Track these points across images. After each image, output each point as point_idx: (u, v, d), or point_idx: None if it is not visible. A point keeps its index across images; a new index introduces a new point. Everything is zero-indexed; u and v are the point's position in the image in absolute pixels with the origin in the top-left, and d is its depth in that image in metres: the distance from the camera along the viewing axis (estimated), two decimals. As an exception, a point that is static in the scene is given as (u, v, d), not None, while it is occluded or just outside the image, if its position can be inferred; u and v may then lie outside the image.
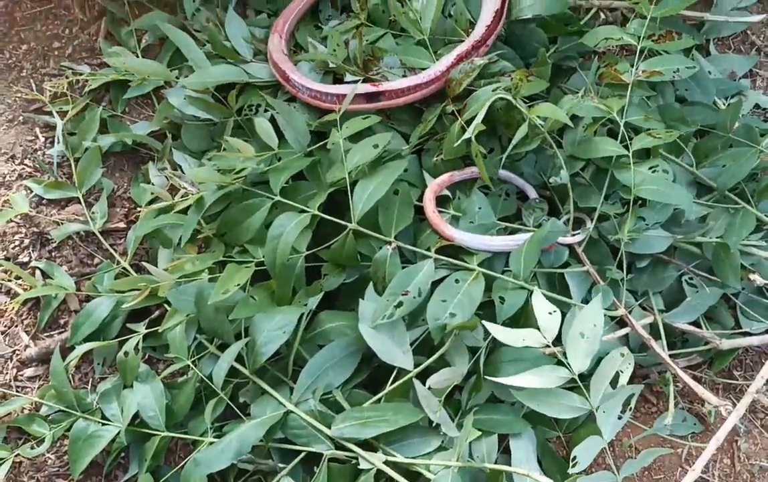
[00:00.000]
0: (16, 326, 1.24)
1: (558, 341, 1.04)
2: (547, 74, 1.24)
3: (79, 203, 1.32)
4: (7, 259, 1.25)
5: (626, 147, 1.16)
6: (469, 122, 1.16)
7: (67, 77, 1.39)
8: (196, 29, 1.38)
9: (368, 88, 1.24)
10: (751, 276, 1.16)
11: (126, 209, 1.34)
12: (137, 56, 1.39)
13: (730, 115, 1.25)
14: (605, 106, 1.17)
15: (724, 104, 1.35)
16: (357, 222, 1.11)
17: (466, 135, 1.13)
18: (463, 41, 1.29)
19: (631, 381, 1.08)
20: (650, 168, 1.15)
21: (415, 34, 1.32)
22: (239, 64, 1.31)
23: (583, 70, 1.33)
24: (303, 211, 1.13)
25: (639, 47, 1.25)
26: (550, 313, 1.02)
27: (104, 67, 1.40)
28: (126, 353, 1.15)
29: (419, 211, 1.18)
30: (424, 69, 1.26)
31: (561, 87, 1.31)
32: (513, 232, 1.18)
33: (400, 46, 1.31)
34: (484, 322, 1.03)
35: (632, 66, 1.24)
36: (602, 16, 1.42)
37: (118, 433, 1.12)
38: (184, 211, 1.22)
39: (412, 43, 1.32)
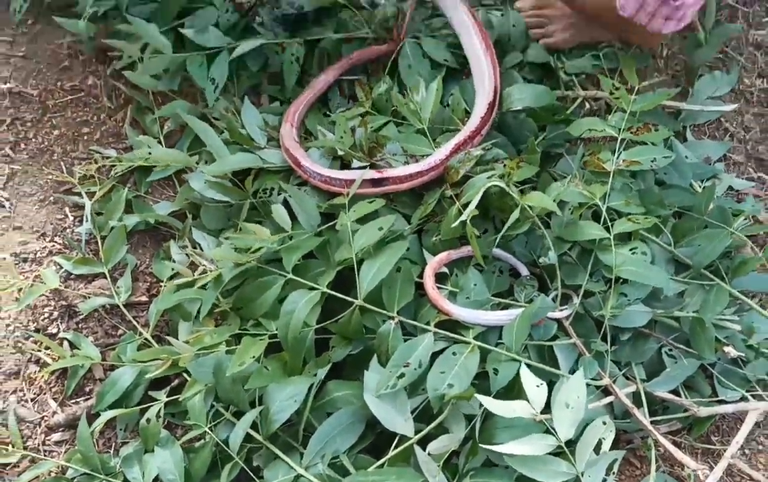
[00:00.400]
0: (45, 393, 1.32)
1: (549, 408, 1.13)
2: (536, 161, 1.36)
3: (105, 278, 1.41)
4: (37, 330, 1.35)
5: (608, 230, 1.26)
6: (465, 206, 1.27)
7: (95, 161, 1.50)
8: (215, 117, 1.50)
9: (374, 174, 1.35)
10: (726, 348, 1.26)
11: (148, 284, 1.43)
12: (160, 142, 1.50)
13: (706, 198, 1.36)
14: (589, 193, 1.28)
15: (700, 186, 1.45)
16: (363, 299, 1.21)
17: (462, 218, 1.24)
18: (459, 130, 1.41)
19: (615, 446, 1.16)
20: (631, 250, 1.25)
21: (416, 124, 1.44)
22: (254, 151, 1.42)
23: (570, 156, 1.44)
24: (313, 288, 1.23)
25: (620, 138, 1.37)
26: (537, 385, 1.11)
27: (130, 150, 1.51)
28: (148, 420, 1.23)
29: (420, 287, 1.27)
30: (424, 156, 1.38)
31: (549, 171, 1.42)
32: (506, 307, 1.28)
33: (402, 134, 1.43)
34: (478, 395, 1.11)
35: (614, 153, 1.36)
36: (587, 105, 1.54)
37: (140, 495, 1.20)
38: (203, 286, 1.32)
39: (413, 132, 1.44)
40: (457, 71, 1.52)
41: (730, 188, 1.51)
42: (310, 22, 1.56)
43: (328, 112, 1.53)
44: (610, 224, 1.27)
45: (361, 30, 1.55)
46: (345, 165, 1.42)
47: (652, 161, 1.33)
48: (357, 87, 1.52)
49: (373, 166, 1.38)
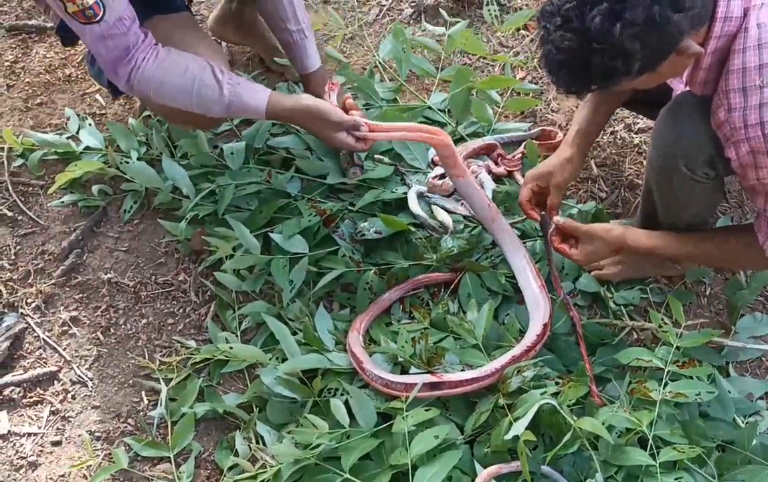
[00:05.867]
0: None
1: None
2: (586, 383, 1.44)
3: (170, 462, 1.48)
4: (100, 508, 1.42)
5: (654, 457, 1.32)
6: (517, 419, 1.34)
7: (176, 350, 1.64)
8: (290, 318, 1.63)
9: (431, 378, 1.45)
10: None
11: (209, 471, 1.49)
12: (237, 336, 1.63)
13: (749, 434, 1.41)
14: (636, 420, 1.35)
15: (742, 421, 1.50)
16: (417, 503, 1.28)
17: (514, 433, 1.31)
18: (512, 347, 1.52)
19: None
20: (675, 479, 1.30)
21: (470, 340, 1.55)
22: (323, 353, 1.54)
23: (618, 381, 1.51)
24: (370, 489, 1.30)
25: (666, 369, 1.45)
26: None
27: (209, 343, 1.64)
28: None
29: (470, 497, 1.34)
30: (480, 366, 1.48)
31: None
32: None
33: (459, 349, 1.54)
34: None
35: (659, 382, 1.43)
36: (635, 334, 1.64)
37: None
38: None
39: (469, 346, 1.55)
40: (512, 299, 1.65)
41: (773, 426, 1.54)
42: (385, 245, 1.72)
43: (390, 323, 1.66)
44: (656, 451, 1.33)
45: (428, 256, 1.70)
46: (404, 372, 1.52)
47: (696, 395, 1.40)
48: (414, 311, 1.66)
49: (430, 373, 1.48)
